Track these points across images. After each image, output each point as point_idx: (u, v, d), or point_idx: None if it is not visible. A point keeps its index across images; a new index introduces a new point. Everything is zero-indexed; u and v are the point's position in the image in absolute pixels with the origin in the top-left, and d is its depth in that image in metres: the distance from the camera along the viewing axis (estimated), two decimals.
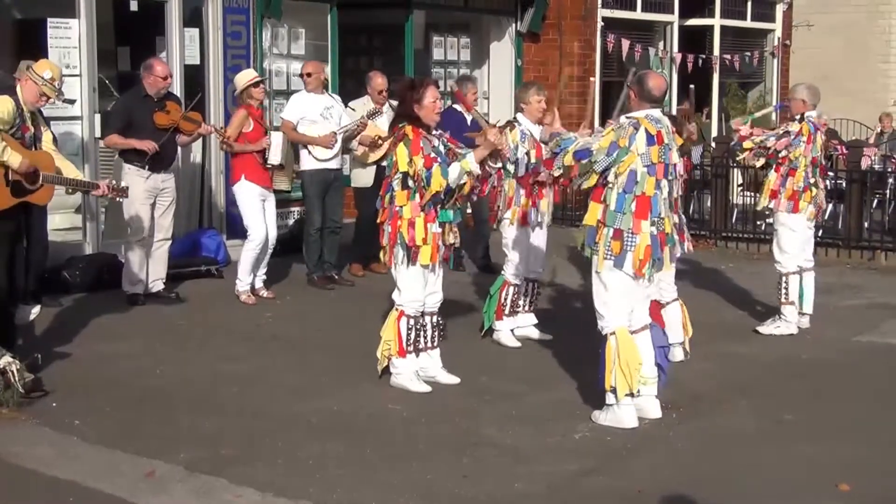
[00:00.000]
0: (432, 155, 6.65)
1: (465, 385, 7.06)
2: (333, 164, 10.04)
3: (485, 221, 10.99)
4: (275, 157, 9.36)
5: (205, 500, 5.20)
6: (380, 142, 9.75)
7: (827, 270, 11.14)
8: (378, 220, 6.94)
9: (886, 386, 7.31)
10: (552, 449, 5.93)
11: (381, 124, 9.93)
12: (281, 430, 6.14)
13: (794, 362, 7.82)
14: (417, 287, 6.86)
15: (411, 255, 6.74)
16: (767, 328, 8.59)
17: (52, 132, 7.44)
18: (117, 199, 8.02)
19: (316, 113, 9.91)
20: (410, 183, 6.69)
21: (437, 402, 6.72)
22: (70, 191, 7.89)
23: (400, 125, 6.81)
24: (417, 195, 6.69)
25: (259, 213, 9.41)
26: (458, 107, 10.52)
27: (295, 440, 5.99)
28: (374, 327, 7.30)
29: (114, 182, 7.66)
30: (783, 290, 8.53)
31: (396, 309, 6.92)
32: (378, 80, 10.35)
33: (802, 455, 5.87)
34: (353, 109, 10.28)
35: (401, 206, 6.73)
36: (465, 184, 6.72)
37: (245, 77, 9.53)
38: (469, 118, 10.55)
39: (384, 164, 8.93)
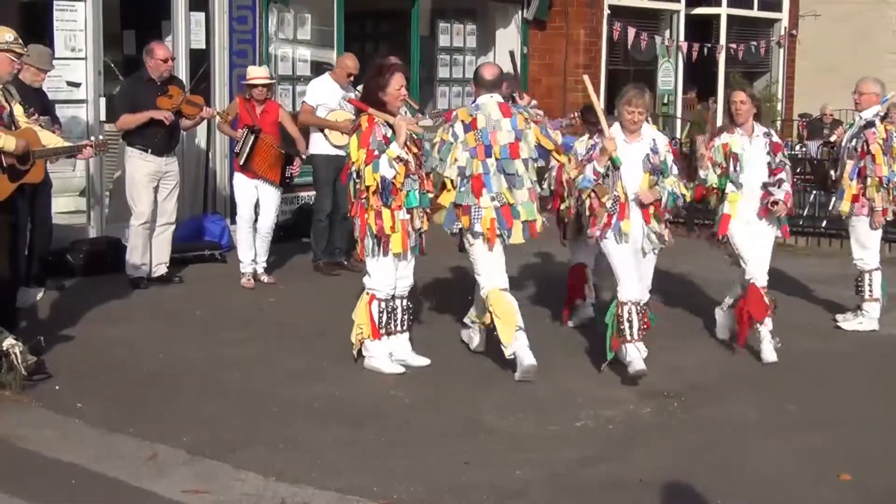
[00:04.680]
0: (376, 152, 6.65)
1: (466, 372, 7.07)
2: (345, 152, 10.06)
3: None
4: (241, 153, 9.34)
5: (206, 483, 5.20)
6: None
7: (831, 262, 11.14)
8: (349, 214, 6.99)
9: (889, 377, 7.31)
10: (553, 436, 5.93)
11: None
12: (283, 415, 6.16)
13: (796, 352, 7.80)
14: (388, 273, 6.91)
15: (382, 244, 6.78)
16: (850, 324, 8.54)
17: (20, 105, 7.10)
18: (100, 152, 7.77)
19: (334, 101, 9.99)
20: (355, 177, 6.78)
21: (437, 388, 6.73)
22: (55, 160, 7.53)
23: (361, 113, 6.82)
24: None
25: (246, 198, 9.51)
26: None
27: (296, 425, 6.00)
28: None
29: (92, 139, 7.47)
30: (868, 287, 8.43)
31: (367, 293, 6.95)
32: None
33: (804, 445, 5.87)
34: (360, 93, 10.26)
35: (365, 198, 6.75)
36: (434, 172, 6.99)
37: (250, 73, 9.57)
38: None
39: None
